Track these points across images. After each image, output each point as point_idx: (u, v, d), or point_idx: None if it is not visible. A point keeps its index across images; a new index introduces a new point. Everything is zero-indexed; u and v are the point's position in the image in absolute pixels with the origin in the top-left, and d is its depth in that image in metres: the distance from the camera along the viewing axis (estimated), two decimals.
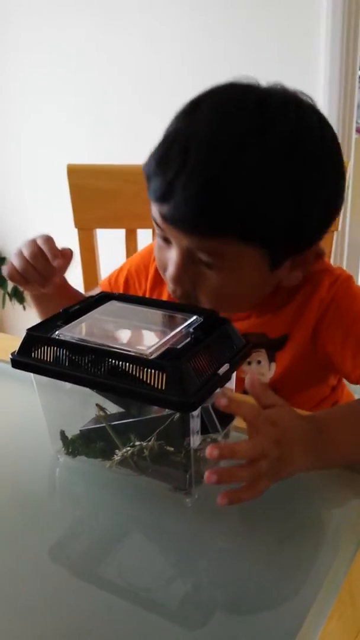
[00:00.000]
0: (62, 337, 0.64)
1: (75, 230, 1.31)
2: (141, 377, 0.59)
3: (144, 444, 0.64)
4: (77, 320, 0.68)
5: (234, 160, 0.68)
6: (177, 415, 0.61)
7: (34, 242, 0.86)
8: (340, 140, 0.76)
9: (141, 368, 0.59)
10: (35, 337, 0.64)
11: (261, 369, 0.88)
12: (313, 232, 0.76)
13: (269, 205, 0.69)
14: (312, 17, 1.69)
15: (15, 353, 0.65)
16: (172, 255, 0.76)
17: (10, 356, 0.65)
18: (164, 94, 1.94)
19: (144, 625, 0.54)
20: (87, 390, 0.65)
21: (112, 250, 1.42)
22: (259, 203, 0.69)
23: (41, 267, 0.85)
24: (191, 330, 0.65)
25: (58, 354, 0.63)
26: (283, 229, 0.72)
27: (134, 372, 0.59)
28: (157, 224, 0.76)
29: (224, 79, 0.74)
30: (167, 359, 0.59)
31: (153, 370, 0.58)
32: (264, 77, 0.75)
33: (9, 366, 0.65)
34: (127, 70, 2.03)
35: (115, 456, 0.66)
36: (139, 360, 0.59)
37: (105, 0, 1.97)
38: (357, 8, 1.68)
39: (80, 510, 0.69)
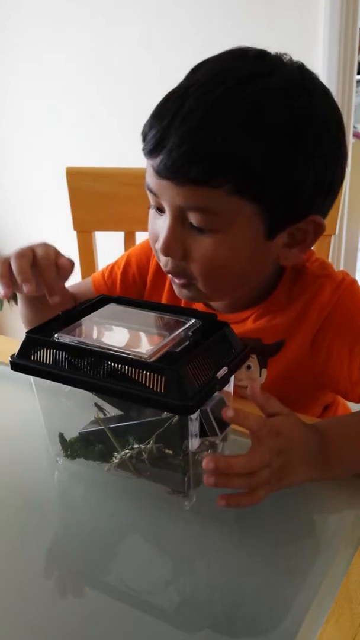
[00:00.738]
0: (61, 340, 0.64)
1: (74, 233, 1.31)
2: (140, 380, 0.59)
3: (143, 446, 0.64)
4: (76, 322, 0.68)
5: (232, 100, 0.65)
6: (176, 418, 0.61)
7: (43, 248, 0.79)
8: None
9: (140, 371, 0.59)
10: (34, 340, 0.64)
11: (251, 375, 0.85)
12: (311, 195, 0.71)
13: (266, 152, 0.66)
14: (310, 24, 1.70)
15: (15, 355, 0.65)
16: (164, 223, 0.72)
17: (9, 359, 0.65)
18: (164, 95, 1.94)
19: (142, 628, 0.55)
20: (86, 392, 0.65)
21: (110, 252, 1.42)
22: (254, 148, 0.65)
23: (46, 278, 0.78)
24: (190, 333, 0.65)
25: (57, 356, 0.63)
26: (279, 184, 0.68)
27: (133, 375, 0.59)
28: (150, 190, 0.74)
29: None
30: (166, 362, 0.59)
31: (152, 373, 0.58)
32: None
33: (8, 368, 0.65)
34: (127, 73, 2.03)
35: (114, 459, 0.66)
36: (138, 363, 0.59)
37: (105, 5, 1.98)
38: (355, 14, 1.69)
39: (78, 512, 0.69)
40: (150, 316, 0.71)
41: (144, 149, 0.71)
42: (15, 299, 2.65)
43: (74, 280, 0.93)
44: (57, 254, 0.79)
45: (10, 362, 0.65)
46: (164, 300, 0.93)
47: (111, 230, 1.31)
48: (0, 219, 2.55)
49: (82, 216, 1.30)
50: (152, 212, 0.77)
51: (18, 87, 2.29)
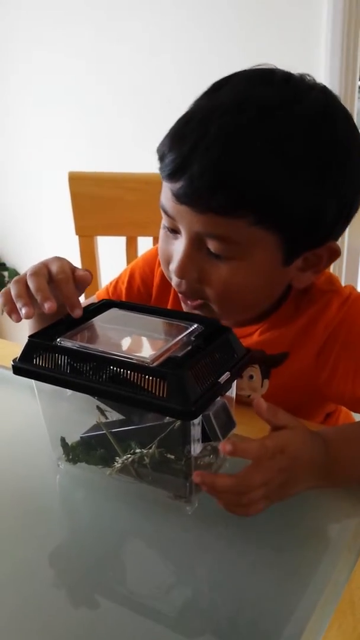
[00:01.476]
0: (63, 344, 0.64)
1: (76, 238, 1.32)
2: (142, 384, 0.59)
3: (145, 451, 0.64)
4: (79, 327, 0.68)
5: (259, 129, 0.64)
6: (178, 423, 0.61)
7: (57, 263, 0.73)
8: None
9: (142, 376, 0.59)
10: (37, 344, 0.65)
11: (253, 385, 0.85)
12: (331, 224, 0.71)
13: (291, 182, 0.65)
14: (313, 29, 1.70)
15: (17, 359, 0.65)
16: (179, 246, 0.71)
17: (11, 363, 0.65)
18: (165, 101, 1.95)
19: (144, 633, 0.54)
20: (88, 397, 0.65)
21: (112, 257, 1.43)
22: (281, 179, 0.64)
23: (65, 292, 0.71)
24: (192, 338, 0.65)
25: (59, 361, 0.63)
26: (301, 213, 0.67)
27: (135, 380, 0.59)
28: (165, 212, 0.71)
29: None
30: (168, 366, 0.59)
31: (154, 378, 0.58)
32: None
33: (10, 373, 0.65)
34: (129, 78, 2.04)
35: (115, 463, 0.66)
36: (140, 368, 0.59)
37: (106, 9, 1.99)
38: (358, 18, 1.69)
39: (80, 517, 0.69)
40: (152, 321, 0.71)
41: (161, 170, 0.69)
42: None
43: None
44: (73, 267, 0.75)
45: (13, 366, 0.65)
46: None
47: (113, 235, 1.32)
48: (2, 224, 2.55)
49: (84, 221, 1.30)
50: (164, 233, 0.75)
51: (20, 92, 2.30)
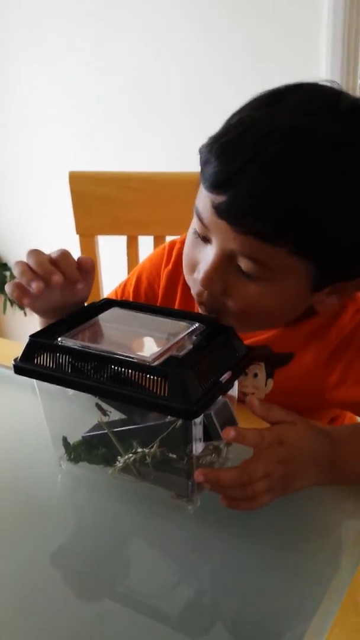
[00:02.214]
0: (64, 344, 0.64)
1: (77, 237, 1.31)
2: (144, 383, 0.59)
3: (147, 450, 0.64)
4: (80, 326, 0.68)
5: (317, 166, 0.61)
6: (180, 422, 0.61)
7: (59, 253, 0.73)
8: None
9: (144, 375, 0.59)
10: (38, 344, 0.64)
11: (257, 383, 0.84)
12: None
13: (341, 221, 0.63)
14: (313, 28, 1.70)
15: (18, 359, 0.65)
16: (208, 255, 0.68)
17: (12, 362, 0.65)
18: (166, 100, 1.95)
19: (146, 632, 0.54)
20: (89, 396, 0.65)
21: (113, 257, 1.43)
22: (332, 216, 0.62)
23: (65, 267, 0.71)
24: (194, 337, 0.65)
25: (61, 360, 0.63)
26: (343, 250, 0.65)
27: (136, 379, 0.59)
28: (199, 218, 0.68)
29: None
30: (170, 365, 0.59)
31: (155, 377, 0.58)
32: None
33: (12, 372, 0.65)
34: (130, 77, 2.03)
35: (117, 463, 0.66)
36: (142, 367, 0.59)
37: (107, 6, 1.98)
38: (358, 18, 1.69)
39: (82, 516, 0.69)
40: (153, 320, 0.71)
41: (202, 176, 0.66)
42: (22, 308, 2.65)
43: None
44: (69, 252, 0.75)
45: (14, 365, 0.65)
46: None
47: (114, 234, 1.32)
48: (4, 225, 2.55)
49: (85, 220, 1.30)
50: (193, 238, 0.72)
51: (20, 91, 2.30)
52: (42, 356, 0.64)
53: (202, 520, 0.65)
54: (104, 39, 2.04)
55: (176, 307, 0.92)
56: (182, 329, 0.66)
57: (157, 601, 0.57)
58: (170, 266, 0.91)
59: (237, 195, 0.62)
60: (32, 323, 0.84)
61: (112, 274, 1.31)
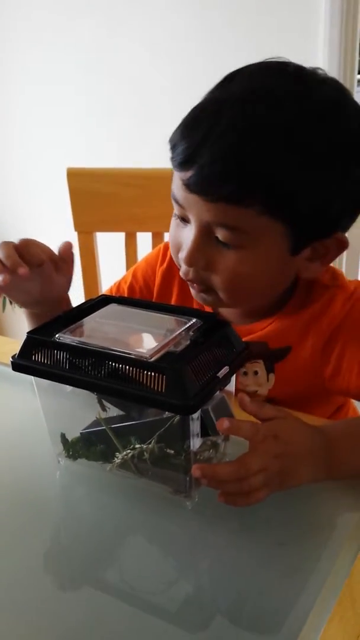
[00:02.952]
0: (62, 340, 0.64)
1: (75, 234, 1.31)
2: (141, 379, 0.59)
3: (144, 446, 0.64)
4: (77, 323, 0.68)
5: (269, 120, 0.65)
6: (177, 418, 0.61)
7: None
8: None
9: (141, 371, 0.59)
10: (35, 340, 0.64)
11: (258, 380, 0.85)
12: (339, 215, 0.72)
13: (299, 173, 0.65)
14: (311, 24, 1.70)
15: (16, 356, 0.65)
16: (189, 234, 0.72)
17: (10, 359, 0.65)
18: (164, 97, 1.94)
19: (144, 628, 0.54)
20: (87, 392, 0.65)
21: (111, 253, 1.43)
22: (290, 169, 0.65)
23: (29, 258, 0.79)
24: (191, 333, 0.65)
25: (58, 356, 0.63)
26: (309, 204, 0.67)
27: (134, 375, 0.59)
28: (176, 201, 0.72)
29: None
30: (167, 361, 0.59)
31: (153, 373, 0.58)
32: None
33: (9, 369, 0.65)
34: (128, 74, 2.03)
35: (115, 459, 0.66)
36: (139, 363, 0.59)
37: (107, 5, 1.98)
38: (355, 13, 1.69)
39: (80, 512, 0.69)
40: (151, 316, 0.71)
41: (172, 160, 0.70)
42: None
43: (75, 285, 0.93)
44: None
45: (12, 362, 0.65)
46: None
47: (112, 231, 1.32)
48: (1, 221, 2.55)
49: (83, 217, 1.30)
50: (175, 221, 0.76)
51: (19, 87, 2.29)
52: (39, 353, 0.64)
53: (200, 515, 0.65)
54: (104, 39, 2.03)
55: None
56: (179, 325, 0.66)
57: (155, 596, 0.57)
58: (165, 265, 0.93)
59: (202, 166, 0.66)
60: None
61: (110, 270, 1.31)
